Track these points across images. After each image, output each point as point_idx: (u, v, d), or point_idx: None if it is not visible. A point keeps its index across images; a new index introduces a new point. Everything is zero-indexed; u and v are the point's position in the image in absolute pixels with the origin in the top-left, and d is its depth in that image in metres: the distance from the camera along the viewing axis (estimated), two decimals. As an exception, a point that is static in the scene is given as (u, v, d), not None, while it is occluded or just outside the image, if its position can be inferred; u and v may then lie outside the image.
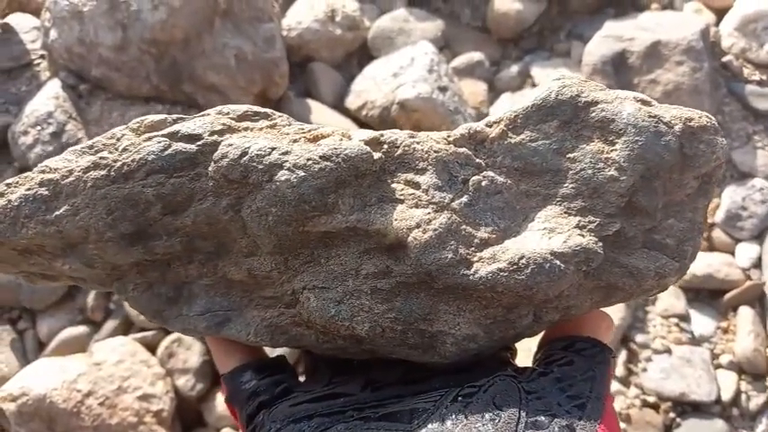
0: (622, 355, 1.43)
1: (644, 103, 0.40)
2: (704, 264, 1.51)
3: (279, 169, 0.36)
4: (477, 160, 0.39)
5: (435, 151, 0.39)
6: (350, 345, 0.40)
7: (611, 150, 0.38)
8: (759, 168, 1.65)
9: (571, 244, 0.37)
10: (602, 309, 0.43)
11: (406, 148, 0.39)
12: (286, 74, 1.64)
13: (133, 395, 1.27)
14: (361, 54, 1.87)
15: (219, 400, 1.38)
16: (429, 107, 1.60)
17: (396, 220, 0.37)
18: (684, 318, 1.48)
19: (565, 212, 0.38)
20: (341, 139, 0.38)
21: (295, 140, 0.39)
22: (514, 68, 1.87)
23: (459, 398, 0.35)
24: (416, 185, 0.38)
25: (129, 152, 0.39)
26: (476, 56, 1.87)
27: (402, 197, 0.38)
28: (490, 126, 0.40)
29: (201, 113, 0.41)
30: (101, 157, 0.39)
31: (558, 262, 0.36)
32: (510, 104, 1.79)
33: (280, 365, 0.46)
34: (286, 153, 0.37)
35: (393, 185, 0.38)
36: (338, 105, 1.75)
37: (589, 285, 0.39)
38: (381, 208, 0.37)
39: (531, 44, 1.93)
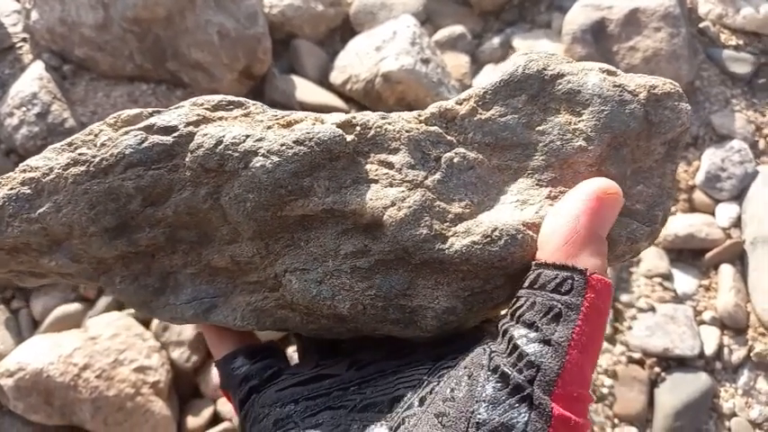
0: (608, 315, 1.47)
1: (609, 73, 0.40)
2: (685, 224, 1.55)
3: (254, 156, 0.37)
4: (449, 138, 0.40)
5: (407, 131, 0.40)
6: (334, 324, 0.41)
7: (579, 121, 0.39)
8: (737, 130, 1.68)
9: (543, 214, 0.37)
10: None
11: (378, 129, 0.40)
12: (269, 50, 1.64)
13: (129, 367, 1.29)
14: (344, 29, 1.88)
15: (215, 372, 1.41)
16: (412, 79, 1.62)
17: (371, 199, 0.38)
18: (667, 277, 1.52)
19: (536, 184, 0.39)
20: (314, 124, 0.39)
21: (269, 127, 0.39)
22: (496, 41, 1.88)
23: (436, 379, 0.35)
24: (390, 165, 0.39)
25: (107, 147, 0.39)
26: (458, 29, 1.89)
27: (376, 177, 0.39)
28: (460, 104, 0.41)
29: (176, 105, 0.41)
30: (80, 154, 0.39)
31: (530, 232, 0.37)
32: (493, 76, 1.81)
33: (270, 350, 0.47)
34: (260, 140, 0.38)
35: (367, 166, 0.39)
36: (323, 81, 1.76)
37: None
38: (356, 189, 0.38)
39: (512, 16, 1.95)
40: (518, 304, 0.35)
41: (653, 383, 1.40)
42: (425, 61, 1.66)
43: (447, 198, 0.38)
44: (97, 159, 0.39)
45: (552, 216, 0.36)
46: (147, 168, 0.38)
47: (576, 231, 0.35)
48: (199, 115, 0.40)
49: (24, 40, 1.67)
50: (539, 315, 0.33)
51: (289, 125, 0.39)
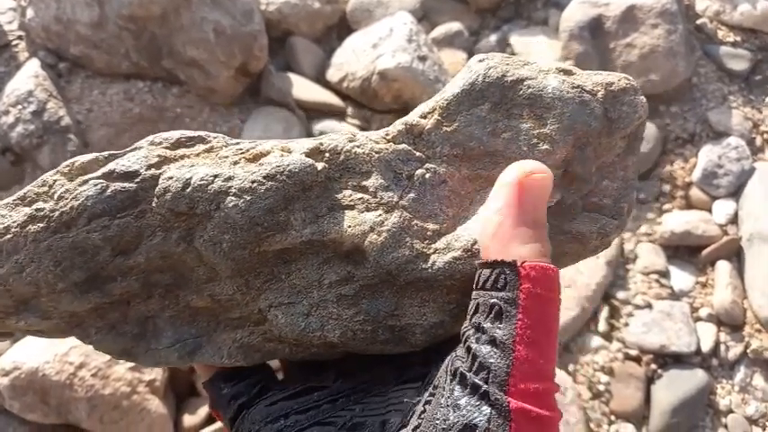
0: (604, 312, 1.47)
1: (566, 73, 0.41)
2: (682, 221, 1.55)
3: (225, 196, 0.36)
4: (418, 154, 0.40)
5: (376, 152, 0.39)
6: (324, 351, 0.41)
7: (542, 125, 0.39)
8: (734, 127, 1.68)
9: None
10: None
11: (348, 153, 0.39)
12: (265, 47, 1.64)
13: (125, 366, 1.29)
14: (341, 27, 1.87)
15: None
16: (409, 76, 1.62)
17: (349, 227, 0.37)
18: (664, 274, 1.52)
19: None
20: (282, 155, 0.38)
21: (235, 162, 0.38)
22: (493, 38, 1.88)
23: (422, 400, 0.36)
24: (364, 189, 0.39)
25: (65, 199, 0.37)
26: (455, 26, 1.89)
27: (352, 203, 0.38)
28: (425, 117, 0.40)
29: (133, 147, 0.39)
30: (37, 209, 0.37)
31: None
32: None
33: (257, 366, 0.46)
34: (230, 179, 0.37)
35: (341, 192, 0.39)
36: (319, 78, 1.76)
37: None
38: (333, 217, 0.38)
39: (508, 13, 1.95)
40: (471, 307, 0.35)
41: (649, 380, 1.40)
42: (422, 59, 1.66)
43: (423, 215, 0.39)
44: (57, 214, 0.37)
45: (481, 214, 0.37)
46: (112, 218, 0.37)
47: (500, 224, 0.34)
48: (159, 156, 0.38)
49: (20, 37, 1.67)
50: (483, 316, 0.33)
51: (256, 159, 0.39)
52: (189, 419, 1.36)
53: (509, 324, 0.32)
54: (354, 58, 1.70)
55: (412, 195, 0.39)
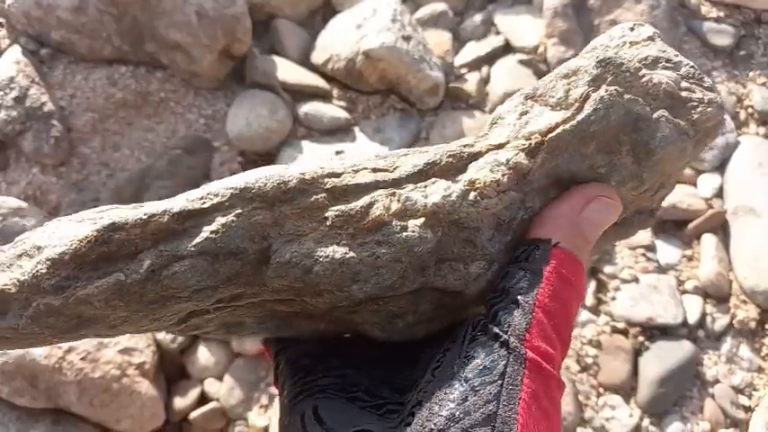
0: (592, 286, 1.48)
1: (673, 101, 0.40)
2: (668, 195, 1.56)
3: (351, 283, 0.36)
4: (519, 196, 0.39)
5: (486, 208, 0.38)
6: None
7: (637, 163, 0.39)
8: (718, 102, 1.69)
9: None
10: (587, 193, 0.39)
11: (462, 214, 0.38)
12: (249, 30, 1.63)
13: (114, 349, 1.29)
14: (325, 10, 1.86)
15: (202, 353, 1.41)
16: (394, 56, 1.61)
17: (455, 280, 0.38)
18: (651, 248, 1.53)
19: None
20: (401, 228, 0.36)
21: (353, 236, 0.36)
22: (478, 18, 1.88)
23: (441, 349, 0.38)
24: (472, 244, 0.38)
25: (158, 276, 0.33)
26: (439, 6, 1.88)
27: (459, 256, 0.38)
28: (531, 154, 0.39)
29: (211, 200, 0.34)
30: (120, 285, 0.33)
31: None
32: (475, 53, 1.80)
33: None
34: (356, 264, 0.36)
35: (448, 246, 0.38)
36: (304, 61, 1.76)
37: None
38: (439, 269, 0.38)
39: (493, -7, 1.94)
40: (500, 275, 0.38)
41: (637, 352, 1.41)
42: (406, 38, 1.65)
43: (511, 253, 0.40)
44: (149, 289, 0.33)
45: (543, 213, 0.39)
46: (214, 290, 0.35)
47: (556, 219, 0.38)
48: (260, 224, 0.35)
49: (0, 24, 1.65)
50: (510, 281, 0.36)
51: (373, 228, 0.36)
52: (180, 402, 1.36)
53: (531, 290, 0.35)
54: (339, 40, 1.69)
55: (508, 238, 0.39)
